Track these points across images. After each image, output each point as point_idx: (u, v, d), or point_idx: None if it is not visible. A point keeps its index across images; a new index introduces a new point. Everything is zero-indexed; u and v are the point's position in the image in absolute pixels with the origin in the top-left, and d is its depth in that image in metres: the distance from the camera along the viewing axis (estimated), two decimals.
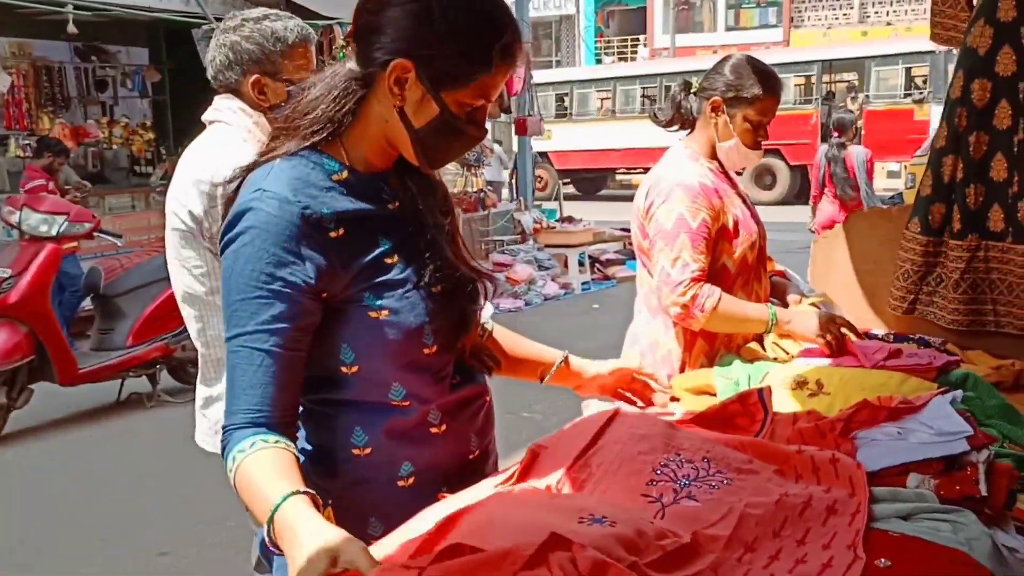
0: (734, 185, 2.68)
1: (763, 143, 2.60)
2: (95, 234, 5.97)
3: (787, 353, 2.61)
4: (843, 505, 1.32)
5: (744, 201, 2.69)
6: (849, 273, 3.14)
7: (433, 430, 1.49)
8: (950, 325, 2.86)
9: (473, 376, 1.58)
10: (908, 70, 17.26)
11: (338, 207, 1.40)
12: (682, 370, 2.61)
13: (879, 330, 2.90)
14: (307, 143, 1.42)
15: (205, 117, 2.42)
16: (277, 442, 1.32)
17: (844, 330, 2.43)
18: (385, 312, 1.41)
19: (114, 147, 10.19)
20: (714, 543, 1.23)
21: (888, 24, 26.36)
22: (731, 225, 2.56)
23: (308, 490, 1.25)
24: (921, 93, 16.76)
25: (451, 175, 12.71)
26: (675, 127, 2.72)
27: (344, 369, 1.44)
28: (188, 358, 5.95)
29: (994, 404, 2.20)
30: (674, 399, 2.46)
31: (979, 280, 2.92)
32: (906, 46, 17.49)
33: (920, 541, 1.26)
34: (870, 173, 8.63)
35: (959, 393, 1.70)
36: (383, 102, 1.40)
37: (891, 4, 27.29)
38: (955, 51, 2.96)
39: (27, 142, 8.59)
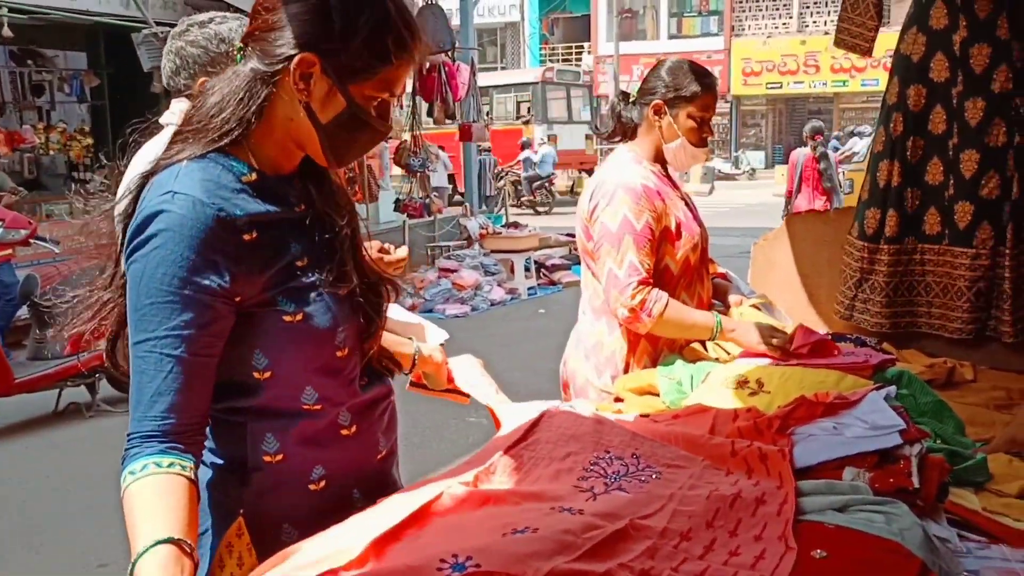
0: (676, 187, 2.72)
1: (707, 140, 2.65)
2: (31, 241, 5.83)
3: (728, 354, 2.65)
4: (771, 496, 1.34)
5: (687, 204, 2.73)
6: (788, 275, 3.20)
7: (343, 432, 1.48)
8: (873, 328, 2.93)
9: (379, 377, 1.58)
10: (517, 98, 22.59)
11: (250, 209, 1.37)
12: (626, 371, 2.62)
13: (818, 330, 2.96)
14: (214, 146, 1.39)
15: (161, 120, 2.42)
16: (171, 466, 1.28)
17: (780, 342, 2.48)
18: (299, 316, 1.39)
19: (51, 153, 9.96)
20: (650, 531, 1.24)
21: (826, 33, 26.92)
22: (673, 227, 2.59)
23: (180, 538, 1.22)
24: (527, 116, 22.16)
25: (397, 182, 12.71)
26: (617, 138, 2.76)
27: (256, 375, 1.41)
28: None
29: (927, 401, 2.26)
30: (618, 399, 2.48)
31: (915, 282, 3.00)
32: (517, 78, 23.89)
33: (855, 532, 1.28)
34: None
35: (892, 389, 1.74)
36: (288, 101, 1.38)
37: (829, 14, 27.89)
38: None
39: None
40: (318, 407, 1.44)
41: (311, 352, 1.41)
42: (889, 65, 2.99)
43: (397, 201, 11.74)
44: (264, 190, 1.41)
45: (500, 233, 11.75)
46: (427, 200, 11.82)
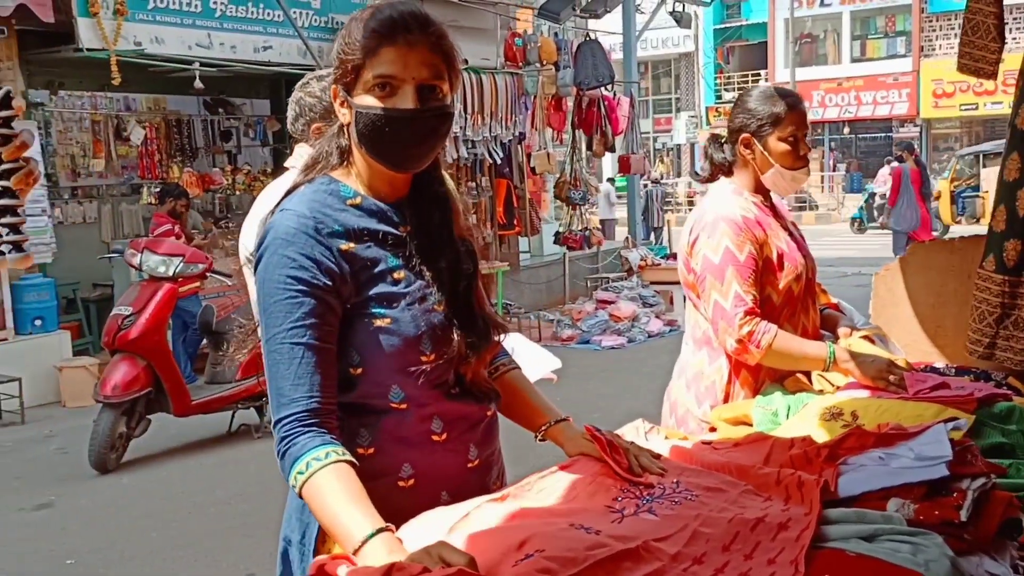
0: (780, 218, 2.71)
1: (807, 157, 2.62)
2: (208, 274, 6.38)
3: (832, 385, 2.60)
4: (795, 522, 1.35)
5: (791, 234, 2.71)
6: (911, 307, 3.09)
7: (434, 437, 1.61)
8: (1019, 367, 2.78)
9: (478, 396, 1.69)
10: None
11: (349, 224, 1.57)
12: (726, 400, 2.62)
13: (940, 363, 2.85)
14: (320, 173, 1.64)
15: (287, 163, 2.71)
16: (344, 454, 1.47)
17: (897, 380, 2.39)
18: (387, 320, 1.56)
19: (237, 192, 10.80)
20: (662, 554, 1.28)
21: None
22: (775, 257, 2.59)
23: (389, 525, 1.38)
24: None
25: (558, 213, 12.87)
26: (719, 179, 2.78)
27: (352, 371, 1.58)
28: None
29: None
30: (712, 429, 2.49)
31: None
32: None
33: (874, 560, 1.28)
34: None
35: (963, 421, 1.69)
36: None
37: None
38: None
39: (157, 190, 9.20)
40: (403, 406, 1.59)
41: (397, 354, 1.57)
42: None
43: (557, 234, 11.93)
44: (367, 210, 1.61)
45: (660, 264, 11.70)
46: (587, 232, 11.93)
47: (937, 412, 2.15)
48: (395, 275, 1.58)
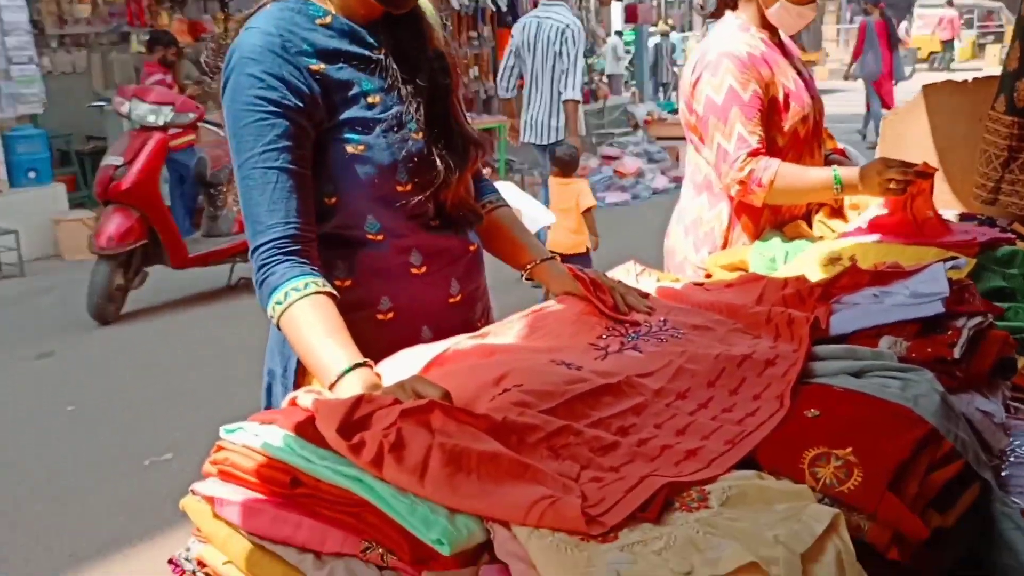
0: (788, 55, 2.58)
1: None
2: (200, 124, 6.23)
3: (833, 231, 2.54)
4: (783, 359, 1.31)
5: (799, 73, 2.59)
6: (919, 152, 2.98)
7: (413, 270, 1.58)
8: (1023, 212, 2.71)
9: (459, 227, 1.64)
10: None
11: (319, 43, 1.49)
12: (724, 247, 2.57)
13: (951, 212, 2.78)
14: None
15: None
16: (324, 285, 1.42)
17: (904, 172, 2.27)
18: (361, 147, 1.50)
19: (230, 40, 10.43)
20: (644, 389, 1.25)
21: None
22: (781, 98, 2.47)
23: (367, 360, 1.35)
24: None
25: None
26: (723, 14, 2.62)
27: (326, 200, 1.52)
28: None
29: None
30: (708, 276, 2.44)
31: None
32: None
33: (861, 395, 1.24)
34: None
35: (963, 261, 1.63)
36: None
37: None
38: None
39: (146, 38, 8.90)
40: (380, 237, 1.55)
41: (371, 183, 1.51)
42: None
43: None
44: (338, 31, 1.53)
45: (666, 120, 11.46)
46: (593, 86, 11.63)
47: (938, 255, 2.09)
48: (370, 99, 1.51)
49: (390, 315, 1.56)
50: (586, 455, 1.08)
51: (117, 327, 5.85)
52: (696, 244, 2.62)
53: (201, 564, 1.11)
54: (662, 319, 1.48)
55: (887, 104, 12.56)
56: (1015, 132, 2.77)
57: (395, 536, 0.96)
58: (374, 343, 1.46)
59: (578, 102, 6.42)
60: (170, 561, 1.15)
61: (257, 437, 1.09)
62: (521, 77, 6.57)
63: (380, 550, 0.97)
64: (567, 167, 5.93)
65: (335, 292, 1.42)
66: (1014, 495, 1.37)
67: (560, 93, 6.30)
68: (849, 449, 1.11)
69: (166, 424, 4.33)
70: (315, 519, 1.02)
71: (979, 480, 1.22)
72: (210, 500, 1.09)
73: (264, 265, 1.42)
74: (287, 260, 1.41)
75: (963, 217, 2.67)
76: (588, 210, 5.81)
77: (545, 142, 6.49)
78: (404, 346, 1.45)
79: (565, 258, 6.87)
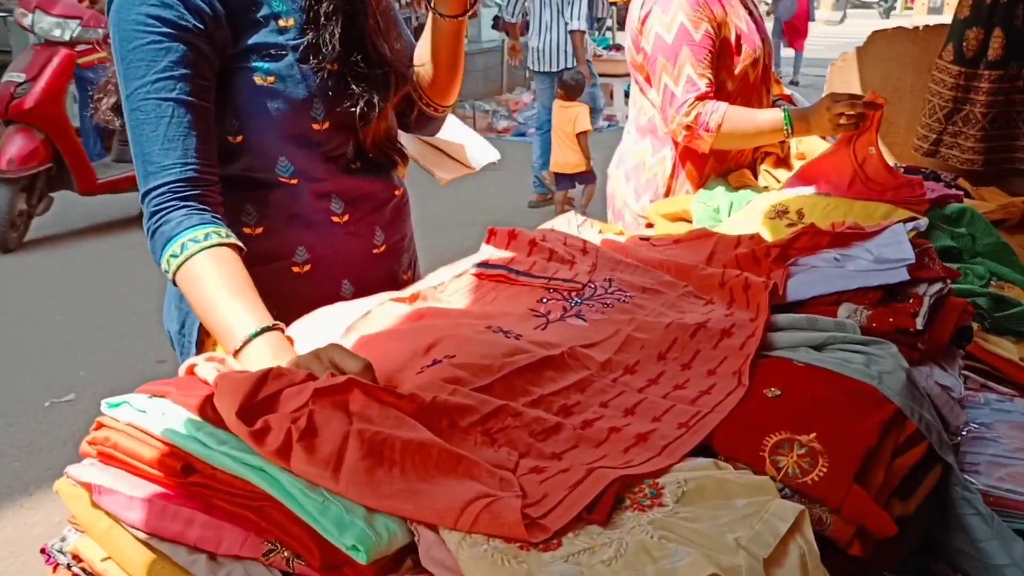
0: None
1: None
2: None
3: (779, 182, 2.45)
4: (740, 329, 1.19)
5: (751, 13, 2.45)
6: None
7: (334, 218, 1.43)
8: (963, 165, 2.66)
9: (382, 171, 1.48)
10: None
11: None
12: (667, 195, 2.46)
13: (891, 161, 2.70)
14: None
15: None
16: (228, 236, 1.25)
17: (853, 106, 2.16)
18: (272, 79, 1.33)
19: None
20: (590, 362, 1.13)
21: None
22: (733, 39, 2.34)
23: (277, 323, 1.19)
24: None
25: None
26: None
27: (230, 139, 1.35)
28: None
29: (988, 242, 2.05)
30: (649, 225, 2.33)
31: (1015, 113, 2.68)
32: None
33: (824, 371, 1.13)
34: None
35: (923, 222, 1.54)
36: None
37: None
38: None
39: None
40: (294, 181, 1.39)
41: (283, 120, 1.35)
42: None
43: (496, 19, 11.29)
44: None
45: (601, 56, 11.23)
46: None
47: (887, 212, 2.02)
48: (281, 22, 1.33)
49: (307, 267, 1.40)
50: (525, 440, 0.96)
51: (19, 255, 5.53)
52: (637, 191, 2.50)
53: (77, 558, 0.96)
54: (607, 279, 1.36)
55: (792, 44, 13.53)
56: (961, 83, 2.70)
57: (303, 538, 0.82)
58: (289, 298, 1.31)
59: (584, 32, 7.20)
60: (42, 551, 0.99)
61: (144, 414, 0.93)
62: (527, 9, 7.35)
63: (285, 553, 0.84)
64: (572, 91, 6.53)
65: (241, 244, 1.25)
66: (968, 473, 1.31)
67: (566, 24, 7.02)
68: (813, 435, 1.00)
69: (70, 363, 4.09)
70: (210, 514, 0.87)
71: (940, 462, 1.14)
72: (88, 487, 0.93)
73: (157, 212, 1.24)
74: (184, 206, 1.23)
75: (908, 171, 2.60)
76: (582, 133, 6.43)
77: (553, 70, 7.09)
78: (323, 302, 1.30)
79: (569, 176, 6.76)
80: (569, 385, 1.07)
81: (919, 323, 1.30)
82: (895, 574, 1.06)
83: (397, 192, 1.50)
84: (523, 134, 9.39)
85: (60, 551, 0.97)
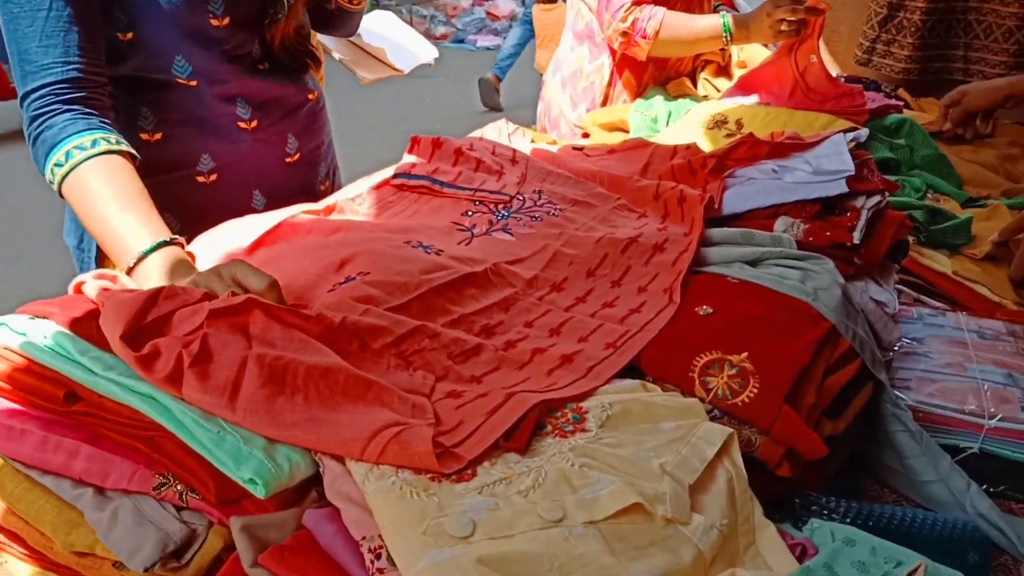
0: None
1: None
2: None
3: (719, 91, 2.39)
4: (673, 244, 1.14)
5: None
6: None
7: (241, 124, 1.33)
8: (899, 75, 2.62)
9: (293, 73, 1.38)
10: None
11: None
12: (604, 104, 2.38)
13: (833, 71, 2.65)
14: None
15: None
16: (119, 143, 1.15)
17: (795, 11, 2.08)
18: None
19: None
20: (515, 279, 1.07)
21: None
22: None
23: (175, 237, 1.10)
24: None
25: None
26: None
27: (119, 35, 1.24)
28: None
29: (926, 153, 2.03)
30: (585, 135, 2.26)
31: (954, 21, 2.64)
32: None
33: (759, 288, 1.09)
34: None
35: (863, 133, 1.49)
36: None
37: None
38: None
39: None
40: (194, 83, 1.29)
41: (177, 14, 1.23)
42: None
43: None
44: None
45: None
46: None
47: (827, 123, 1.97)
48: None
49: (213, 177, 1.31)
50: (443, 363, 0.90)
51: None
52: (574, 99, 2.41)
53: None
54: (537, 191, 1.29)
55: None
56: None
57: (198, 471, 0.76)
58: (195, 210, 1.23)
59: None
60: None
61: (24, 337, 0.85)
62: None
63: (179, 487, 0.77)
64: None
65: (133, 152, 1.15)
66: (900, 389, 1.29)
67: None
68: (744, 355, 0.96)
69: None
70: (97, 445, 0.80)
71: (872, 379, 1.12)
72: None
73: (38, 117, 1.13)
74: (68, 110, 1.13)
75: (849, 80, 2.55)
76: None
77: None
78: (232, 214, 1.21)
79: None
80: (492, 304, 1.01)
81: (856, 237, 1.26)
82: (822, 492, 1.04)
83: (311, 96, 1.40)
84: (462, 40, 9.15)
85: None
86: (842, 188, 1.27)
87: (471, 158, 1.34)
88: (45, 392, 0.82)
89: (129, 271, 1.05)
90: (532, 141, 1.64)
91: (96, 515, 0.78)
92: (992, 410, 1.24)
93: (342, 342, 0.86)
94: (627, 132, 2.15)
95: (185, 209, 1.24)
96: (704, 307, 1.04)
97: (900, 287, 1.60)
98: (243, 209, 1.27)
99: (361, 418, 0.76)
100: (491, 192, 1.26)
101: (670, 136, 2.00)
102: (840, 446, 1.09)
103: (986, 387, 1.29)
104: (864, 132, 1.55)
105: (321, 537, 0.72)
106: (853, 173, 1.27)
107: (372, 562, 0.69)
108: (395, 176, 1.29)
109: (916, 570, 0.81)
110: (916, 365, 1.34)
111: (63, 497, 0.80)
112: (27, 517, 0.81)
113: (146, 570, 0.73)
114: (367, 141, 3.68)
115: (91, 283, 0.95)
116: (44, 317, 0.88)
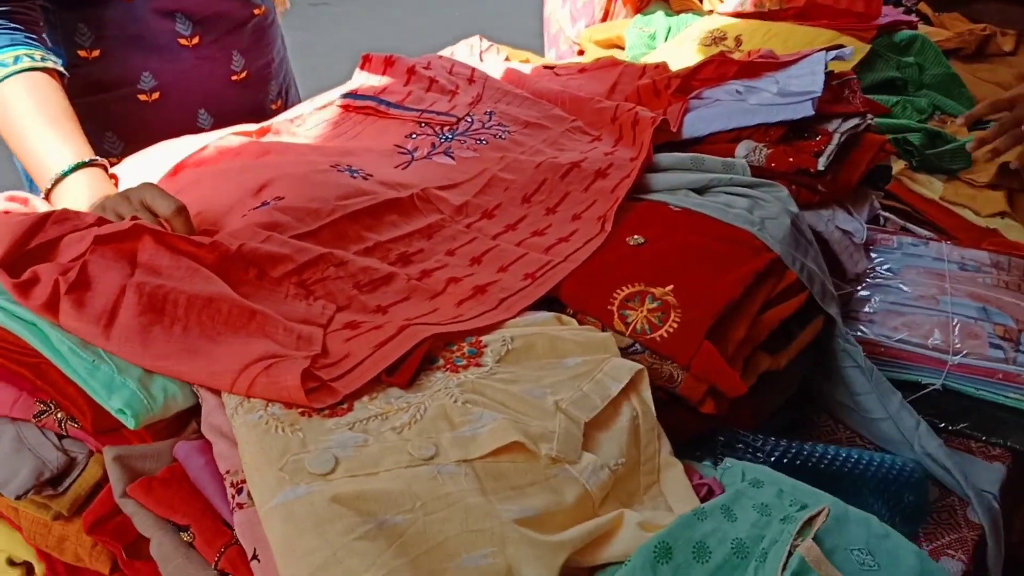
0: None
1: None
2: None
3: (722, 2, 2.28)
4: (617, 169, 1.09)
5: None
6: None
7: (182, 41, 1.29)
8: None
9: None
10: None
11: None
12: (604, 19, 2.29)
13: None
14: None
15: None
16: (44, 59, 1.12)
17: None
18: None
19: None
20: (444, 205, 1.03)
21: None
22: None
23: (96, 159, 1.08)
24: None
25: None
26: None
27: None
28: None
29: (937, 72, 1.93)
30: (580, 52, 2.18)
31: None
32: None
33: (700, 216, 1.04)
34: None
35: (848, 51, 1.40)
36: None
37: None
38: None
39: None
40: None
41: None
42: None
43: None
44: None
45: None
46: None
47: (831, 38, 1.88)
48: None
49: (155, 95, 1.28)
50: (348, 292, 0.88)
51: None
52: (573, 14, 2.33)
53: None
54: (488, 112, 1.24)
55: None
56: None
57: (76, 399, 0.75)
58: (139, 130, 1.20)
59: None
60: None
61: None
62: None
63: (59, 415, 0.77)
64: None
65: (60, 69, 1.12)
66: (862, 322, 1.24)
67: None
68: (670, 287, 0.92)
69: None
70: None
71: (823, 314, 1.07)
72: None
73: None
74: None
75: None
76: None
77: None
78: (178, 134, 1.19)
79: None
80: (413, 231, 0.98)
81: (821, 163, 1.20)
82: (757, 429, 1.01)
83: (257, 12, 1.35)
84: None
85: None
86: (808, 111, 1.20)
87: (424, 77, 1.29)
88: None
89: (47, 193, 1.04)
90: (507, 59, 1.58)
91: None
92: (958, 345, 1.19)
93: (238, 270, 0.84)
94: (623, 48, 2.07)
95: (128, 129, 1.22)
96: (636, 237, 1.00)
97: (886, 214, 1.54)
98: (189, 129, 1.25)
99: (236, 349, 0.75)
100: (438, 114, 1.22)
101: (664, 54, 1.93)
102: (782, 382, 1.05)
103: (955, 321, 1.24)
104: (849, 49, 1.46)
105: (190, 469, 0.71)
106: (819, 94, 1.20)
107: (233, 496, 0.68)
108: (342, 96, 1.25)
109: (819, 513, 0.78)
110: (886, 297, 1.29)
111: None
112: None
113: (18, 497, 0.73)
114: (335, 60, 3.54)
115: (7, 203, 0.94)
116: None
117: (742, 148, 1.22)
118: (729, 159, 1.14)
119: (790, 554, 0.74)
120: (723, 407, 0.92)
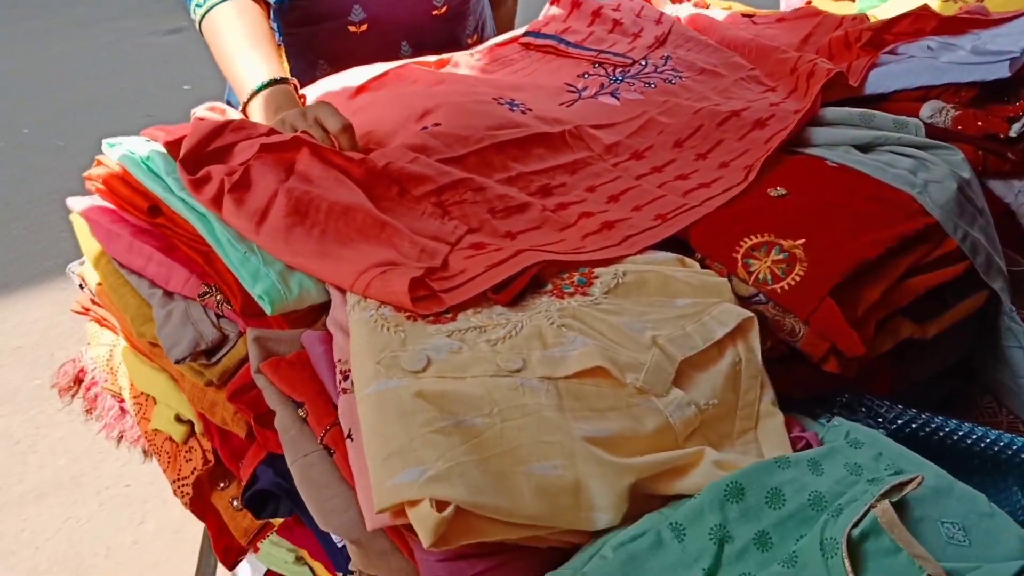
0: None
1: None
2: None
3: None
4: (778, 120, 1.07)
5: None
6: None
7: None
8: None
9: None
10: None
11: None
12: None
13: None
14: None
15: None
16: None
17: None
18: None
19: None
20: (595, 143, 1.06)
21: None
22: None
23: (287, 77, 1.20)
24: None
25: None
26: None
27: None
28: None
29: None
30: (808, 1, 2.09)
31: None
32: None
33: (855, 173, 1.01)
34: None
35: None
36: None
37: None
38: None
39: None
40: None
41: None
42: None
43: None
44: None
45: None
46: None
47: None
48: None
49: (363, 27, 1.38)
50: (481, 216, 0.93)
51: None
52: None
53: (84, 282, 1.06)
54: (665, 56, 1.25)
55: None
56: None
57: (232, 284, 0.87)
58: (346, 58, 1.31)
59: None
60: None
61: (132, 156, 0.99)
62: None
63: (218, 297, 0.89)
64: None
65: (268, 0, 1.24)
66: None
67: None
68: (801, 241, 0.91)
69: None
70: (168, 255, 0.93)
71: (987, 288, 1.01)
72: (84, 216, 1.02)
73: None
74: None
75: None
76: None
77: None
78: (380, 62, 1.29)
79: None
80: (558, 165, 1.02)
81: (1015, 129, 1.11)
82: (917, 397, 0.97)
83: None
84: None
85: (74, 272, 1.08)
86: (1003, 72, 1.11)
87: (608, 18, 1.31)
88: (136, 204, 0.95)
89: (244, 106, 1.16)
90: (695, 5, 1.56)
91: (159, 312, 0.91)
92: None
93: (382, 186, 0.92)
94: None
95: (338, 58, 1.32)
96: (778, 188, 0.99)
97: None
98: (391, 58, 1.34)
99: (363, 254, 0.83)
100: (615, 55, 1.24)
101: (899, 6, 1.82)
102: (933, 354, 1.01)
103: None
104: None
105: (311, 355, 0.80)
106: (1018, 56, 1.11)
107: (340, 381, 0.76)
108: (524, 34, 1.30)
109: (912, 480, 0.76)
110: None
111: (142, 295, 0.94)
112: (118, 306, 0.96)
113: (177, 361, 0.86)
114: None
115: (204, 114, 1.07)
116: (153, 140, 1.02)
117: (927, 108, 1.15)
118: (902, 117, 1.09)
119: (867, 514, 0.73)
120: (849, 368, 0.90)
